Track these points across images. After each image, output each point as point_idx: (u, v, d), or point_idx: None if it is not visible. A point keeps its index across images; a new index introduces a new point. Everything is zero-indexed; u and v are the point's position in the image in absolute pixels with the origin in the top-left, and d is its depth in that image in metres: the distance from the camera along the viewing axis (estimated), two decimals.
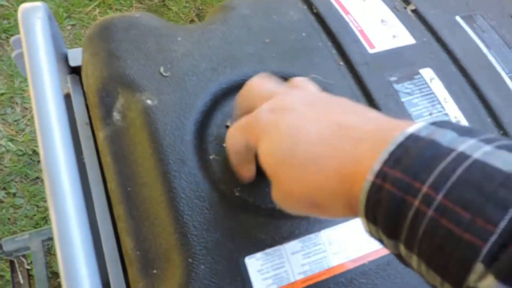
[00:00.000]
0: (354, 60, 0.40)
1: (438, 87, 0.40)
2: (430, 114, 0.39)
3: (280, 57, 0.39)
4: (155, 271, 0.31)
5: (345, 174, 0.21)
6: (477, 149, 0.17)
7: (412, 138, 0.18)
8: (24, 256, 0.91)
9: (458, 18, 0.48)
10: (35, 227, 1.06)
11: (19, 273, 0.90)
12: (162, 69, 0.36)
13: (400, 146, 0.18)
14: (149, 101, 0.34)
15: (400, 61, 0.41)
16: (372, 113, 0.23)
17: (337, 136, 0.22)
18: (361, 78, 0.39)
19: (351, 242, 0.31)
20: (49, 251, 1.04)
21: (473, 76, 0.42)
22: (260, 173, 0.34)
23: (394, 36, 0.44)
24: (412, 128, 0.19)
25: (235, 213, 0.31)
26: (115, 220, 0.38)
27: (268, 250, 0.30)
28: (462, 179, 0.16)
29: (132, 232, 0.33)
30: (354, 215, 0.21)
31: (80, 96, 0.46)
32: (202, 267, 0.28)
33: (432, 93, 0.40)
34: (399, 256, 0.19)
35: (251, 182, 0.34)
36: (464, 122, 0.39)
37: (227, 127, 0.36)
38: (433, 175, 0.17)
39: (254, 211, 0.31)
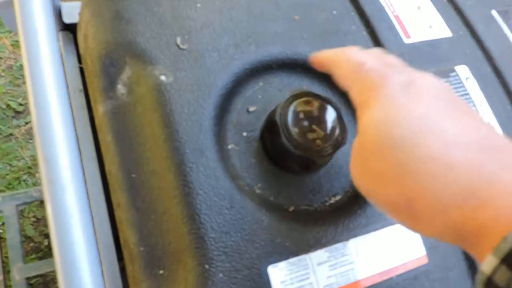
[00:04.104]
0: (389, 49, 0.37)
1: (473, 87, 0.38)
2: None
3: (310, 39, 0.35)
4: (161, 272, 0.28)
5: (474, 194, 0.17)
6: None
7: None
8: None
9: (494, 12, 0.44)
10: (8, 187, 1.00)
11: None
12: (179, 40, 0.31)
13: None
14: (163, 77, 0.29)
15: (436, 55, 0.38)
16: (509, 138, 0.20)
17: (480, 151, 0.18)
18: None
19: (379, 253, 0.29)
20: (22, 214, 0.99)
21: (508, 79, 0.39)
22: (283, 168, 0.31)
23: (430, 26, 0.40)
24: None
25: (257, 215, 0.27)
26: (108, 206, 0.34)
27: (293, 259, 0.27)
28: None
29: (136, 224, 0.29)
30: (451, 239, 0.18)
31: (74, 58, 0.40)
32: (221, 275, 0.25)
33: (468, 94, 0.37)
34: None
35: (274, 179, 0.30)
36: (497, 130, 0.37)
37: (248, 112, 0.32)
38: None
39: (277, 212, 0.28)
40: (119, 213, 0.31)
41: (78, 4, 0.39)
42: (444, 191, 0.18)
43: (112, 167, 0.31)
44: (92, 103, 0.35)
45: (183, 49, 0.30)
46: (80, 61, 0.40)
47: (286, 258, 0.27)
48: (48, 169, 0.23)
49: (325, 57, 0.26)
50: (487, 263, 0.16)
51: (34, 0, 0.27)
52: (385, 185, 0.19)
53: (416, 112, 0.20)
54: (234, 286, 0.25)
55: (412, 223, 0.19)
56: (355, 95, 0.22)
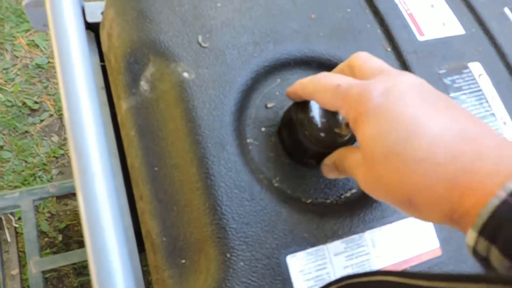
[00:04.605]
0: (403, 47, 0.37)
1: (486, 84, 0.38)
2: (478, 113, 0.36)
3: (327, 37, 0.35)
4: (183, 261, 0.29)
5: (457, 184, 0.20)
6: None
7: None
8: (12, 213, 0.88)
9: (506, 9, 0.45)
10: (23, 184, 1.02)
11: (6, 230, 0.87)
12: (200, 39, 0.32)
13: None
14: (185, 74, 0.31)
15: (449, 52, 0.39)
16: (486, 125, 0.22)
17: (458, 143, 0.20)
18: (410, 68, 0.37)
19: (394, 244, 0.30)
20: (37, 210, 1.01)
21: None
22: (300, 163, 0.32)
23: (443, 24, 0.40)
24: None
25: (276, 207, 0.28)
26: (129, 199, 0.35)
27: (310, 250, 0.28)
28: None
29: (158, 216, 0.30)
30: (450, 224, 0.21)
31: (96, 57, 0.41)
32: (241, 263, 0.26)
33: (480, 90, 0.38)
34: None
35: (291, 172, 0.31)
36: (509, 124, 0.37)
37: (267, 107, 0.33)
38: None
39: (295, 205, 0.29)
40: (141, 205, 0.32)
41: (101, 4, 0.40)
42: (434, 186, 0.20)
43: (135, 161, 0.33)
44: (115, 100, 0.36)
45: (204, 47, 0.31)
46: (101, 59, 0.41)
47: (304, 248, 0.28)
48: (79, 160, 0.24)
49: (301, 89, 0.27)
50: (469, 237, 0.19)
51: (65, 3, 0.28)
52: (390, 189, 0.22)
53: (401, 120, 0.22)
54: (254, 274, 0.26)
55: (418, 216, 0.22)
56: (345, 115, 0.25)
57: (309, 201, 0.30)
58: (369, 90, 0.23)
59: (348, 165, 0.26)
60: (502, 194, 0.18)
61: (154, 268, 0.31)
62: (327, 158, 0.28)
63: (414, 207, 0.22)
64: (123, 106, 0.33)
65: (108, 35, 0.35)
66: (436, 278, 0.17)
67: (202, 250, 0.28)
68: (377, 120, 0.22)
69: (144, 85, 0.32)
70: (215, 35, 0.32)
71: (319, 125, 0.29)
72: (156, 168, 0.31)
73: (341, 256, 0.28)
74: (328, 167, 0.28)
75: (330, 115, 0.29)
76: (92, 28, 0.42)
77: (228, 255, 0.26)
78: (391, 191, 0.22)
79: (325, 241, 0.28)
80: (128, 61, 0.32)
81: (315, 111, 0.29)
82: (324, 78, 0.26)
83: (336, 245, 0.28)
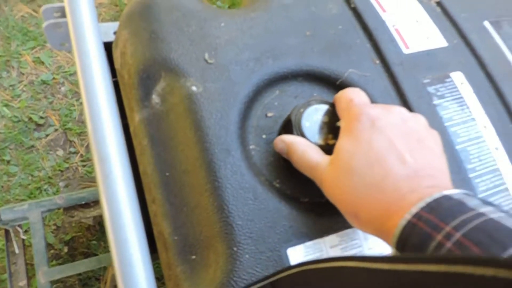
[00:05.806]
0: (390, 60, 0.41)
1: (467, 92, 0.42)
2: (460, 118, 0.40)
3: (320, 52, 0.39)
4: (194, 257, 0.32)
5: (390, 212, 0.25)
6: (494, 213, 0.21)
7: (446, 197, 0.23)
8: (19, 226, 0.90)
9: (486, 23, 0.49)
10: (29, 197, 1.05)
11: (14, 242, 0.89)
12: (207, 56, 0.35)
13: (436, 200, 0.23)
14: (194, 88, 0.34)
15: (433, 63, 0.42)
16: (433, 165, 0.27)
17: (405, 180, 0.26)
18: (396, 79, 0.40)
19: None
20: (43, 222, 1.04)
21: (499, 84, 0.43)
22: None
23: (427, 38, 0.44)
24: (448, 192, 0.24)
25: (277, 205, 0.31)
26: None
27: (309, 243, 0.31)
28: (477, 227, 0.21)
29: (170, 217, 0.33)
30: (381, 238, 0.26)
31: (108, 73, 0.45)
32: (247, 256, 0.29)
33: (461, 97, 0.41)
34: None
35: (290, 175, 0.34)
36: (489, 127, 0.40)
37: (267, 117, 0.36)
38: (456, 220, 0.21)
39: (294, 204, 0.32)
40: (154, 208, 0.35)
41: (112, 24, 0.44)
42: (375, 208, 0.26)
43: (147, 167, 0.36)
44: (128, 112, 0.39)
45: (210, 63, 0.35)
46: (113, 75, 0.45)
47: (303, 242, 0.31)
48: (102, 166, 0.28)
49: (335, 96, 0.33)
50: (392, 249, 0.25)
51: (86, 22, 0.32)
52: (345, 200, 0.27)
53: (372, 148, 0.27)
54: (259, 266, 0.29)
55: (358, 227, 0.28)
56: (341, 123, 0.30)
57: (306, 200, 0.33)
58: (364, 113, 0.28)
59: (310, 163, 0.30)
60: (408, 217, 0.23)
61: (167, 265, 0.34)
62: (286, 136, 0.32)
63: (357, 220, 0.27)
64: (136, 118, 0.37)
65: (122, 53, 0.38)
66: (398, 260, 0.19)
67: (211, 246, 0.31)
68: (358, 141, 0.27)
69: (155, 98, 0.36)
70: (220, 52, 0.36)
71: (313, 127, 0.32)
72: (167, 174, 0.34)
73: (337, 248, 0.31)
74: (282, 144, 0.32)
75: (324, 122, 0.33)
76: (104, 47, 0.46)
77: (235, 249, 0.29)
78: (344, 202, 0.27)
79: (322, 235, 0.31)
80: (141, 77, 0.36)
81: (311, 116, 0.32)
82: (348, 92, 0.31)
83: (331, 239, 0.31)
